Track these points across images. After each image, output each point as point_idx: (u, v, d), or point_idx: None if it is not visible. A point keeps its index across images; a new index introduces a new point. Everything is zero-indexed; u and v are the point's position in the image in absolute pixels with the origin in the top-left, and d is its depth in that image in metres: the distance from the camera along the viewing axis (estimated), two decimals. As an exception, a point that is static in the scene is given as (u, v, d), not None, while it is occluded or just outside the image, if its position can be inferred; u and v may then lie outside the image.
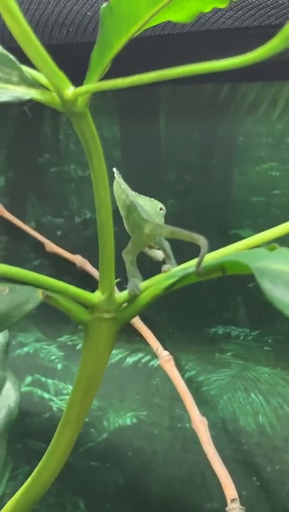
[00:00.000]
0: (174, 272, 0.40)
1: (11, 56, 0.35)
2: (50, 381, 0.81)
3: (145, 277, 0.40)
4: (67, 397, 0.79)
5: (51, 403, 0.80)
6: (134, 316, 0.40)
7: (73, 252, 0.78)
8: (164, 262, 0.42)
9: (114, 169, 0.41)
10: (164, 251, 0.42)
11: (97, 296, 0.38)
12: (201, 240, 0.33)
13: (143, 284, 0.39)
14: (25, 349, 0.83)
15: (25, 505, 0.42)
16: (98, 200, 0.36)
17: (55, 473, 0.42)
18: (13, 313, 0.34)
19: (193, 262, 0.40)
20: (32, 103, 0.80)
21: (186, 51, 0.63)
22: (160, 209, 0.42)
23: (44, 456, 0.42)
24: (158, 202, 0.42)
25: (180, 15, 0.34)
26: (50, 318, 0.80)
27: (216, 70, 0.25)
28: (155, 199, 0.43)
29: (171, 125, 0.71)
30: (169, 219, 0.40)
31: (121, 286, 0.40)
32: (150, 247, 0.42)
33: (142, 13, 0.32)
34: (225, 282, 0.70)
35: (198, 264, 0.32)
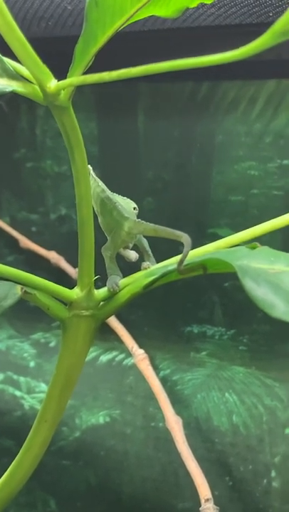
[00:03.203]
0: (153, 269, 0.40)
1: (-7, 48, 0.34)
2: (22, 379, 0.80)
3: (125, 274, 0.40)
4: (39, 395, 0.79)
5: (23, 401, 0.79)
6: (113, 314, 0.39)
7: (48, 249, 0.78)
8: (140, 260, 0.42)
9: (89, 166, 0.41)
10: (143, 248, 0.42)
11: (75, 293, 0.38)
12: (185, 238, 0.33)
13: (123, 281, 0.39)
14: (-2, 346, 0.82)
15: (0, 503, 0.41)
16: (79, 196, 0.36)
17: (29, 471, 0.41)
18: (-8, 309, 0.33)
19: (173, 259, 0.40)
20: (8, 97, 0.79)
21: (167, 48, 0.62)
22: (134, 208, 0.41)
23: (19, 454, 0.41)
24: (131, 201, 0.42)
25: (166, 10, 0.34)
26: (23, 315, 0.79)
27: (208, 65, 0.25)
28: (133, 197, 0.43)
29: (149, 122, 0.70)
30: (146, 217, 0.39)
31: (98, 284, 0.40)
32: (125, 248, 0.42)
33: (128, 6, 0.31)
34: (201, 281, 0.70)
35: (181, 261, 0.32)
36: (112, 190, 0.41)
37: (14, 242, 0.80)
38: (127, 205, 0.41)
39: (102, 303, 0.39)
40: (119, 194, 0.42)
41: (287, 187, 0.65)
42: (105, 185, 0.40)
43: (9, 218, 0.81)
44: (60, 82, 0.31)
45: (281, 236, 0.64)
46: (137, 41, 0.60)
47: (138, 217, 0.40)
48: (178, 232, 0.34)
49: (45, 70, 0.31)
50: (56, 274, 0.75)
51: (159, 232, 0.37)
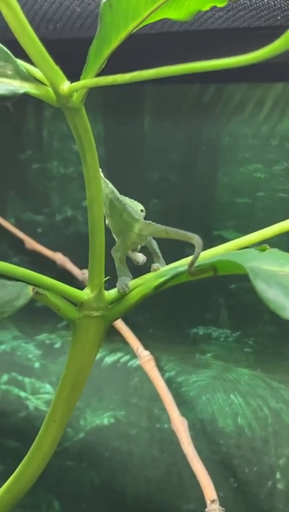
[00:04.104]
0: (164, 270, 0.40)
1: (6, 49, 0.34)
2: (26, 380, 0.80)
3: (135, 276, 0.40)
4: (44, 396, 0.79)
5: (27, 402, 0.79)
6: (123, 315, 0.39)
7: (54, 250, 0.78)
8: (149, 262, 0.42)
9: None
10: (153, 250, 0.42)
11: (86, 294, 0.38)
12: (196, 239, 0.33)
13: (132, 283, 0.39)
14: (2, 347, 0.82)
15: (8, 504, 0.41)
16: (90, 197, 0.36)
17: (38, 471, 0.41)
18: (4, 310, 0.33)
19: (183, 261, 0.40)
20: (15, 98, 0.79)
21: (175, 50, 0.63)
22: (141, 210, 0.41)
23: (27, 455, 0.41)
24: (138, 203, 0.42)
25: (179, 13, 0.34)
26: (28, 316, 0.79)
27: (222, 68, 0.25)
28: (138, 198, 0.43)
29: (155, 124, 0.71)
30: (152, 219, 0.39)
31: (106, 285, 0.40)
32: (133, 250, 0.42)
33: (141, 9, 0.31)
34: (207, 283, 0.70)
35: (192, 263, 0.32)
36: (119, 192, 0.41)
37: (20, 243, 0.80)
38: (134, 207, 0.41)
39: (112, 304, 0.39)
40: (125, 195, 0.42)
41: (294, 189, 0.65)
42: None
43: (15, 219, 0.81)
44: (74, 83, 0.31)
45: (287, 238, 0.64)
46: (145, 44, 0.60)
47: (145, 219, 0.40)
48: (189, 234, 0.34)
49: (59, 71, 0.31)
50: (62, 276, 0.75)
51: (170, 233, 0.37)
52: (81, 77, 0.32)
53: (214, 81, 0.66)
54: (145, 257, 0.42)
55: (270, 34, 0.61)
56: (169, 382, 0.70)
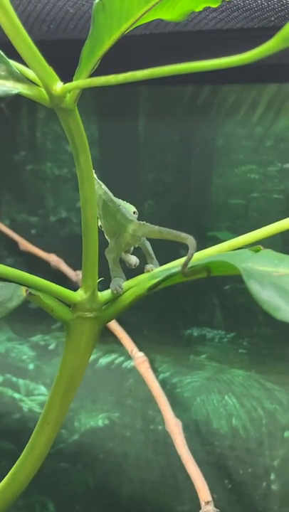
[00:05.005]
0: (157, 271, 0.40)
1: (-1, 50, 0.34)
2: (21, 381, 0.80)
3: (128, 277, 0.40)
4: (38, 397, 0.79)
5: (22, 403, 0.79)
6: (117, 316, 0.39)
7: (48, 251, 0.78)
8: (142, 263, 0.42)
9: None
10: (146, 251, 0.42)
11: (79, 295, 0.38)
12: (190, 240, 0.33)
13: (126, 284, 0.39)
14: (-3, 348, 0.82)
15: (2, 505, 0.41)
16: (83, 198, 0.36)
17: (31, 473, 0.41)
18: (-3, 311, 0.33)
19: (177, 262, 0.40)
20: (8, 99, 0.79)
21: (168, 51, 0.63)
22: (133, 212, 0.41)
23: (21, 456, 0.41)
24: (131, 205, 0.42)
25: (171, 13, 0.34)
26: (22, 317, 0.79)
27: (215, 68, 0.25)
28: (133, 199, 0.43)
29: (150, 126, 0.71)
30: (146, 220, 0.39)
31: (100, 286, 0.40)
32: (126, 252, 0.42)
33: (134, 10, 0.31)
34: (201, 284, 0.70)
35: (186, 264, 0.32)
36: (113, 193, 0.41)
37: (14, 244, 0.80)
38: (127, 209, 0.41)
39: (105, 305, 0.39)
40: (119, 197, 0.42)
41: (288, 191, 0.65)
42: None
43: (9, 221, 0.81)
44: (67, 84, 0.31)
45: (282, 239, 0.64)
46: (138, 44, 0.60)
47: (138, 220, 0.40)
48: (183, 235, 0.34)
49: (52, 72, 0.31)
50: (56, 277, 0.75)
51: (164, 234, 0.37)
52: (74, 77, 0.32)
53: (208, 82, 0.66)
54: (138, 260, 0.42)
55: (263, 35, 0.61)
56: (164, 384, 0.70)
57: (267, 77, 0.63)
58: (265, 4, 0.53)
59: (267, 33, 0.57)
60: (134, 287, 0.39)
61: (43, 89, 0.33)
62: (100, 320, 0.39)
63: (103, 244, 0.39)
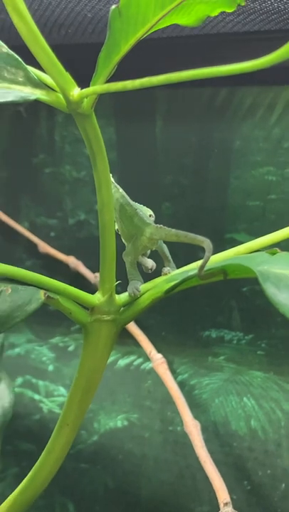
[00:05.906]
0: (174, 274, 0.40)
1: (17, 56, 0.35)
2: (40, 382, 0.81)
3: (145, 280, 0.40)
4: (58, 398, 0.79)
5: (42, 405, 0.80)
6: (134, 319, 0.40)
7: (67, 254, 0.78)
8: (160, 266, 0.42)
9: None
10: (163, 254, 0.42)
11: (97, 298, 0.38)
12: (207, 243, 0.33)
13: (143, 287, 0.39)
14: (17, 350, 0.83)
15: (21, 506, 0.42)
16: (100, 202, 0.36)
17: (51, 474, 0.42)
18: (16, 314, 0.34)
19: (194, 265, 0.40)
20: (27, 103, 0.80)
21: (185, 54, 0.63)
22: (150, 215, 0.42)
23: (40, 458, 0.42)
24: (147, 208, 0.42)
25: (187, 18, 0.34)
26: (42, 319, 0.79)
27: (233, 73, 0.25)
28: (150, 202, 0.43)
29: (167, 128, 0.71)
30: (164, 222, 0.40)
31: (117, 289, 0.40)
32: (143, 255, 0.42)
33: (150, 16, 0.32)
34: (219, 286, 0.70)
35: (202, 267, 0.32)
36: (130, 196, 0.41)
37: (33, 246, 0.80)
38: (144, 212, 0.41)
39: (123, 308, 0.39)
40: (137, 199, 0.42)
41: (305, 192, 0.65)
42: (123, 190, 0.41)
43: (28, 223, 0.81)
44: (84, 90, 0.32)
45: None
46: (156, 48, 0.60)
47: (155, 223, 0.40)
48: (200, 238, 0.34)
49: (69, 78, 0.32)
50: (75, 279, 0.75)
51: (181, 237, 0.37)
52: (91, 83, 0.33)
53: (226, 84, 0.66)
54: (154, 263, 0.42)
55: (281, 37, 0.61)
56: (182, 385, 0.70)
57: (284, 80, 0.63)
58: (282, 7, 0.53)
59: (284, 35, 0.57)
60: (151, 290, 0.39)
61: (60, 95, 0.33)
62: (117, 323, 0.39)
63: (120, 247, 0.39)
